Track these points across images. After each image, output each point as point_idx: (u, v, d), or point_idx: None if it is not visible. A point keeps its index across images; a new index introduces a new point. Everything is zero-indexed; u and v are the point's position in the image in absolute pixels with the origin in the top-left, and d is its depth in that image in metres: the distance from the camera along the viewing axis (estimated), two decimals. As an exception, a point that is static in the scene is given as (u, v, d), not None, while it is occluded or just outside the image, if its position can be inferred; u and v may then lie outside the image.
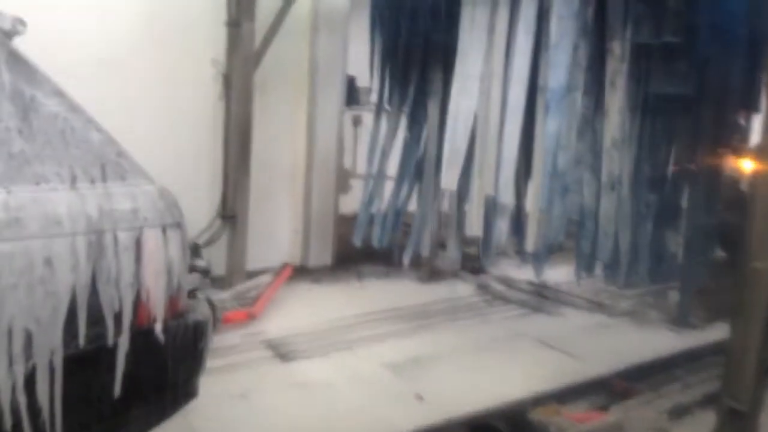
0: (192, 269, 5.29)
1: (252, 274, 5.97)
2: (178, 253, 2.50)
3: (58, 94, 2.27)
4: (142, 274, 2.31)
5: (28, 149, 2.09)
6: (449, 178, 4.72)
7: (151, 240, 2.34)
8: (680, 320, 5.52)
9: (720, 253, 7.19)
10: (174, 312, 2.52)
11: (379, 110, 5.66)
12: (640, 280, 4.98)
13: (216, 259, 5.68)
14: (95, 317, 2.18)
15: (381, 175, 5.62)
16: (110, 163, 2.34)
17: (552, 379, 4.56)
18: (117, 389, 2.29)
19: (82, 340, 2.15)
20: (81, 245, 2.12)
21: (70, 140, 2.23)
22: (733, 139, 4.94)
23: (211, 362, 4.36)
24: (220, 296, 5.39)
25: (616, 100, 4.26)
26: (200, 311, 2.76)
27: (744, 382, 3.33)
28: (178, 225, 2.52)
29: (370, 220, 5.68)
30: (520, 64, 4.31)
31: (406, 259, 5.65)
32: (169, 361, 2.53)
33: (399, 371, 4.55)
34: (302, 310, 5.60)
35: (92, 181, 2.24)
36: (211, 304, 4.89)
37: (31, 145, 2.11)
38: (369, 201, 5.64)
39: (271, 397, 4.09)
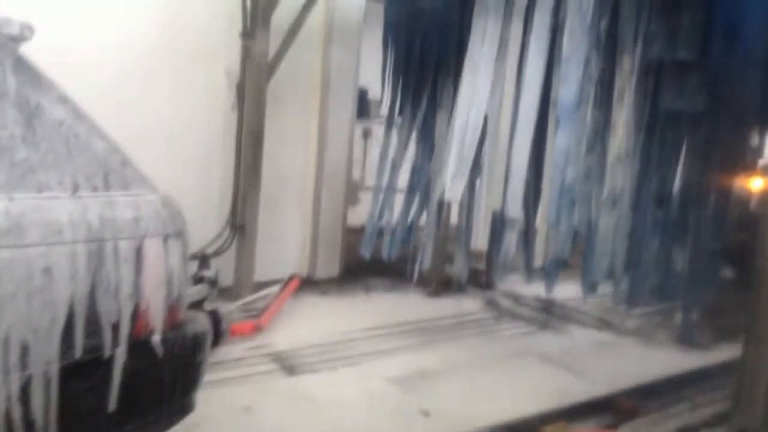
0: (200, 279, 5.27)
1: (259, 285, 5.91)
2: (180, 263, 2.43)
3: (64, 101, 2.21)
4: (141, 284, 2.24)
5: (32, 157, 2.03)
6: (454, 190, 4.66)
7: (153, 249, 2.27)
8: (684, 339, 5.41)
9: (728, 273, 7.11)
10: (173, 323, 2.44)
11: (390, 123, 5.61)
12: (644, 299, 4.89)
13: (224, 269, 5.64)
14: (93, 327, 2.11)
15: (391, 188, 5.55)
16: (113, 172, 2.28)
17: (559, 397, 4.47)
18: (112, 402, 2.21)
19: (78, 351, 2.08)
20: (81, 254, 2.06)
21: (74, 148, 2.17)
22: (743, 157, 4.85)
23: (216, 374, 4.37)
24: (228, 307, 5.32)
25: (622, 114, 4.20)
26: (200, 323, 2.69)
27: (756, 401, 3.28)
28: (181, 234, 2.46)
29: (379, 233, 5.61)
30: (532, 78, 4.25)
31: (414, 273, 5.56)
32: (167, 373, 2.44)
33: (405, 386, 4.46)
34: (309, 323, 5.52)
35: (95, 190, 2.18)
36: (219, 316, 4.87)
37: (35, 152, 2.05)
38: (379, 213, 5.57)
39: (276, 410, 4.00)
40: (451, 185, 4.67)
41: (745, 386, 3.30)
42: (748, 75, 4.18)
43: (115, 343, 2.18)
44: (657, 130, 4.43)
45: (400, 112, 5.49)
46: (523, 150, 4.31)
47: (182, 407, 2.61)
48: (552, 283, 4.77)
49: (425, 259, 5.49)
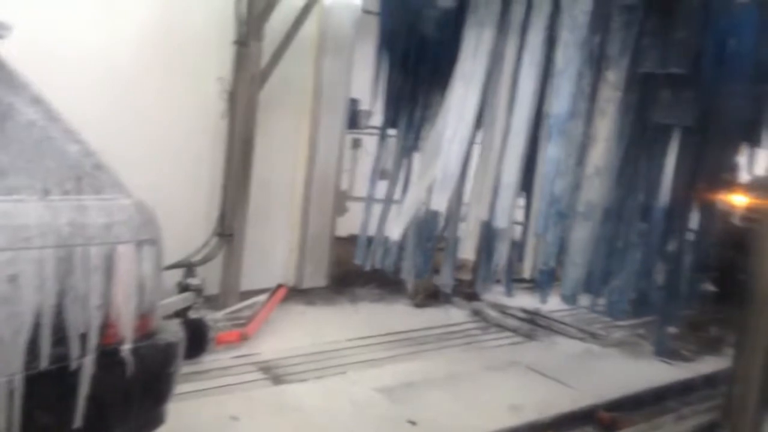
0: (185, 288, 5.15)
1: (246, 294, 5.77)
2: (153, 270, 2.31)
3: (37, 102, 2.10)
4: (112, 293, 2.11)
5: (1, 159, 1.91)
6: (439, 201, 4.58)
7: (125, 256, 2.15)
8: (659, 353, 5.30)
9: (710, 287, 7.08)
10: (144, 332, 2.33)
11: (383, 134, 5.52)
12: (624, 312, 4.82)
13: (211, 277, 5.51)
14: (60, 336, 1.98)
15: (387, 199, 5.45)
16: (86, 176, 2.16)
17: (546, 408, 4.41)
18: (79, 414, 2.08)
19: (44, 361, 1.95)
20: (50, 261, 1.93)
21: (46, 151, 2.05)
22: (729, 173, 4.80)
23: (202, 383, 4.25)
24: (214, 316, 5.19)
25: (604, 128, 4.14)
26: (172, 332, 2.57)
27: (745, 413, 3.22)
28: (155, 241, 2.34)
29: (371, 243, 5.51)
30: (524, 90, 4.20)
31: (407, 284, 5.47)
32: (137, 384, 2.31)
33: (392, 396, 4.37)
34: (296, 333, 5.39)
35: (66, 194, 2.06)
36: (204, 324, 4.74)
37: (4, 154, 1.92)
38: (382, 223, 5.46)
39: (262, 420, 3.89)
40: (436, 196, 4.60)
41: (736, 397, 3.23)
42: (737, 92, 4.13)
43: (83, 353, 2.06)
44: (644, 143, 4.36)
45: (394, 124, 5.41)
46: (514, 161, 4.24)
47: (152, 420, 2.49)
48: (544, 294, 4.68)
49: (407, 271, 5.38)
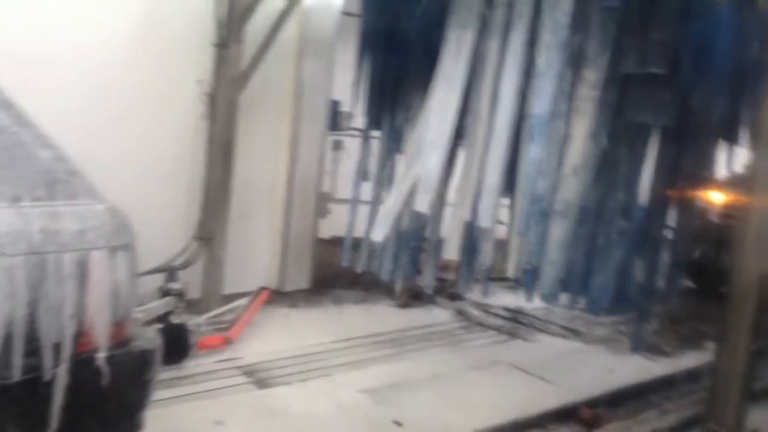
0: (167, 292, 5.08)
1: (228, 298, 5.70)
2: (127, 276, 2.25)
3: (7, 106, 2.03)
4: (86, 300, 2.06)
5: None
6: (422, 202, 4.57)
7: (99, 263, 2.10)
8: (635, 349, 5.33)
9: (689, 283, 7.16)
10: (120, 340, 2.28)
11: (366, 135, 5.50)
12: (603, 309, 4.85)
13: (192, 281, 5.45)
14: (32, 346, 1.92)
15: (375, 200, 5.43)
16: (59, 182, 2.10)
17: (531, 406, 4.42)
18: (54, 424, 2.02)
19: (16, 372, 1.89)
20: (21, 269, 1.87)
21: (17, 156, 1.99)
22: (708, 171, 4.84)
23: (186, 388, 4.19)
24: (196, 320, 5.11)
25: (581, 127, 4.13)
26: (148, 339, 2.51)
27: (728, 406, 3.24)
28: (129, 247, 2.28)
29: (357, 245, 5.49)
30: (506, 91, 4.19)
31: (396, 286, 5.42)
32: (112, 393, 2.24)
33: (377, 397, 4.34)
34: (279, 335, 5.34)
35: (37, 200, 2.00)
36: (186, 329, 4.68)
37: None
38: (368, 225, 5.43)
39: (247, 424, 3.85)
40: (419, 197, 4.58)
41: (718, 391, 3.25)
42: (715, 91, 4.16)
43: (57, 362, 2.00)
44: (624, 142, 4.38)
45: (377, 126, 5.39)
46: (496, 162, 4.24)
47: (129, 428, 2.44)
48: (529, 293, 4.67)
49: (394, 273, 5.36)
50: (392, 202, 4.78)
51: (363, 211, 5.58)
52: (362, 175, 5.52)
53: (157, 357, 2.53)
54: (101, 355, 2.19)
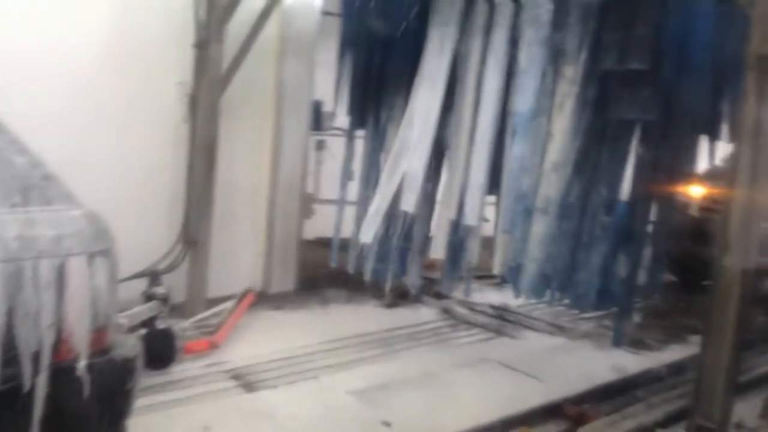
0: (151, 297, 5.01)
1: (213, 301, 5.64)
2: (107, 282, 2.21)
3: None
4: (65, 307, 2.01)
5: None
6: (408, 202, 4.55)
7: (76, 269, 2.05)
8: (617, 343, 5.34)
9: (670, 277, 7.21)
10: (100, 347, 2.23)
11: (351, 135, 5.47)
12: (588, 305, 4.86)
13: (176, 285, 5.39)
14: (10, 356, 1.88)
15: (361, 200, 5.40)
16: (34, 187, 2.06)
17: (519, 403, 4.40)
18: None
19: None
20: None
21: (-9, 163, 1.95)
22: (690, 166, 4.87)
23: (173, 393, 4.13)
24: (181, 325, 5.06)
25: (561, 123, 4.16)
26: (130, 346, 2.47)
27: (715, 399, 3.25)
28: (108, 252, 2.23)
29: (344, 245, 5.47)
30: (490, 90, 4.20)
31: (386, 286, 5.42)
32: (94, 402, 2.20)
33: (366, 398, 4.31)
34: (266, 338, 5.28)
35: (13, 206, 1.95)
36: (172, 334, 4.62)
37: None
38: (356, 225, 5.40)
39: (235, 429, 3.80)
40: (405, 197, 4.57)
41: (704, 384, 3.25)
42: (697, 86, 4.18)
43: (36, 371, 1.96)
44: (606, 138, 4.39)
45: (361, 125, 5.36)
46: (481, 160, 4.23)
47: None
48: (516, 290, 4.67)
49: (383, 273, 5.34)
50: (378, 202, 4.76)
51: (349, 211, 5.57)
52: (347, 175, 5.49)
53: (139, 364, 2.49)
54: (81, 364, 2.14)
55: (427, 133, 4.50)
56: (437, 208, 4.68)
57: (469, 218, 4.29)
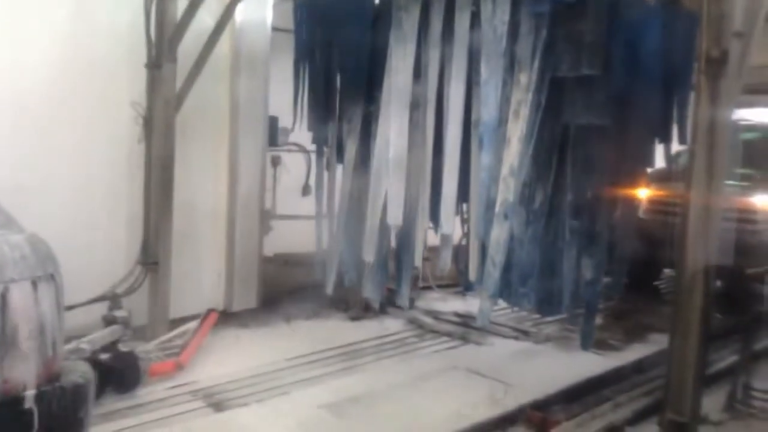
0: (112, 321, 4.88)
1: (176, 322, 5.52)
2: (53, 308, 2.13)
3: None
4: (9, 336, 1.92)
5: None
6: (394, 215, 4.61)
7: (20, 296, 1.97)
8: (585, 346, 5.42)
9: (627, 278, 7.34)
10: (49, 376, 2.15)
11: (320, 150, 5.45)
12: (552, 309, 4.91)
13: (137, 308, 5.26)
14: None
15: (319, 213, 5.38)
16: None
17: (489, 408, 4.43)
18: None
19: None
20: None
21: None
22: (644, 168, 4.99)
23: (139, 417, 4.03)
24: (144, 347, 4.93)
25: (517, 129, 4.21)
26: (80, 372, 2.38)
27: (685, 394, 3.33)
28: (53, 277, 2.16)
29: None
30: (454, 102, 4.25)
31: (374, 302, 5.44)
32: None
33: (337, 412, 4.28)
34: (232, 357, 5.20)
35: None
36: (135, 357, 4.50)
37: None
38: (333, 242, 5.38)
39: (206, 450, 3.72)
40: (390, 212, 4.62)
41: (674, 380, 3.33)
42: (648, 90, 4.29)
43: None
44: (569, 143, 4.46)
45: (320, 140, 5.35)
46: (452, 172, 4.28)
47: None
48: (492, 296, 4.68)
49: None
50: (371, 220, 4.80)
51: (304, 226, 5.50)
52: (320, 188, 5.47)
53: (92, 391, 2.41)
54: (30, 394, 2.05)
55: (402, 149, 4.56)
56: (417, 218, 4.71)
57: (443, 227, 4.34)
